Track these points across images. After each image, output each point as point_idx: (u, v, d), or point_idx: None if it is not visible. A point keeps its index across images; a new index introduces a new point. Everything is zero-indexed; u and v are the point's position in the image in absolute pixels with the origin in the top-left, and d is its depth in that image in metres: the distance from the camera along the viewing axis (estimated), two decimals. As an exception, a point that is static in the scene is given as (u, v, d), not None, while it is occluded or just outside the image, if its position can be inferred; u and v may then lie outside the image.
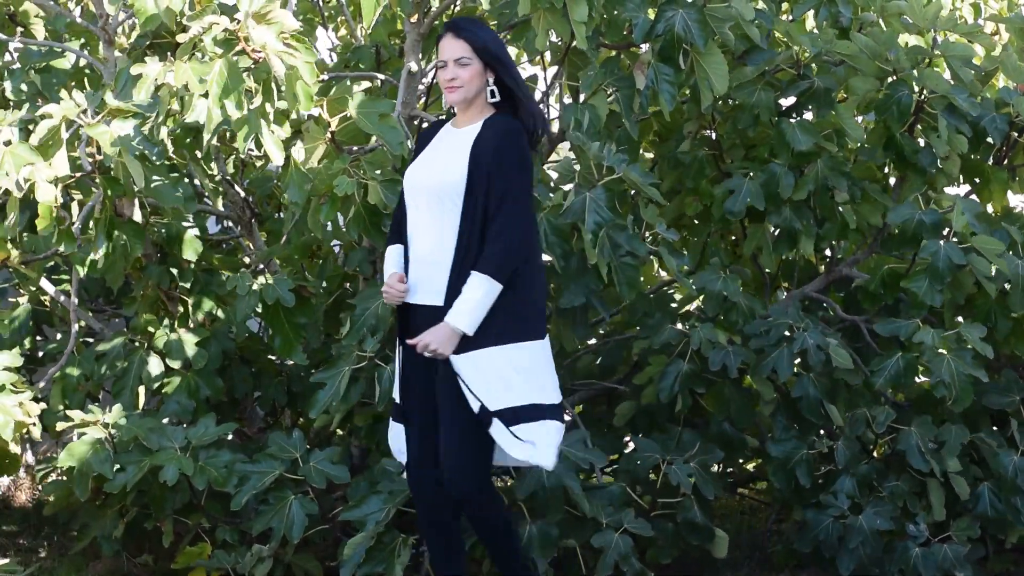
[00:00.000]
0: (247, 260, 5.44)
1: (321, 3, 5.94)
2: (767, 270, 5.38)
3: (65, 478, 4.82)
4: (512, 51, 5.86)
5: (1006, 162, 5.25)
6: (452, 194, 3.92)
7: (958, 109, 4.88)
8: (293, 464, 4.59)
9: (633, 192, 4.74)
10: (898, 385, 4.88)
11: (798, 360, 4.99)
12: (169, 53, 4.67)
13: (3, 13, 5.47)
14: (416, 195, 4.02)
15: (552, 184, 5.04)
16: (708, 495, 4.75)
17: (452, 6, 5.11)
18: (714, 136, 5.28)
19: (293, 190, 4.52)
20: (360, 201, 4.47)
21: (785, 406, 5.01)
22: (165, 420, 4.84)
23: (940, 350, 4.74)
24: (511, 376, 3.91)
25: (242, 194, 5.21)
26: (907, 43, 5.04)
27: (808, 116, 5.09)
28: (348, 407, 4.61)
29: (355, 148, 4.67)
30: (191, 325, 5.05)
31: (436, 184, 3.96)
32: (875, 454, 5.18)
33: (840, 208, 5.06)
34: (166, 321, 5.05)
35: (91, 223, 4.54)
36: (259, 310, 4.84)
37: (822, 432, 4.97)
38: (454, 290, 3.90)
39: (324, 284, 5.13)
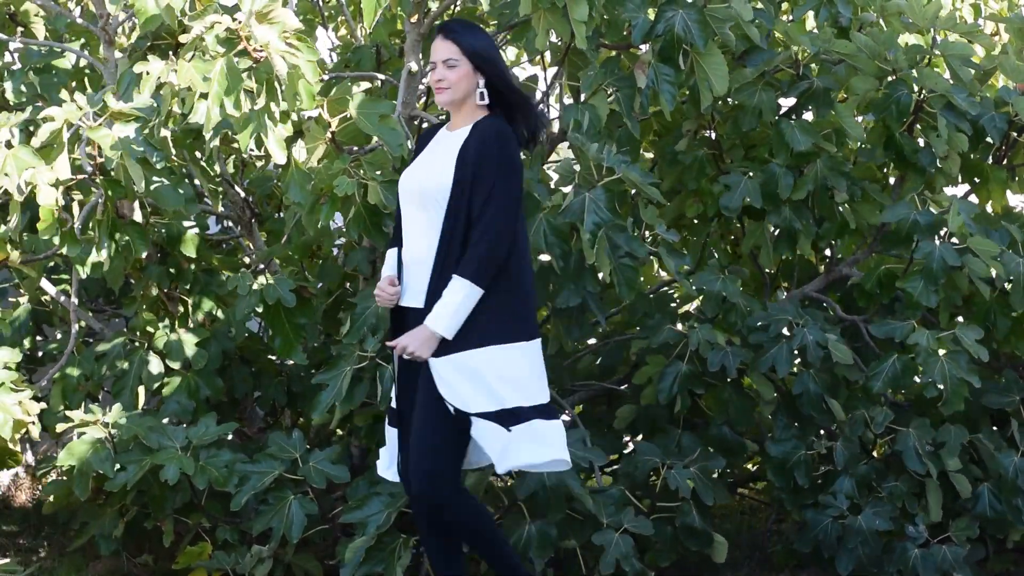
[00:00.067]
0: (247, 260, 5.44)
1: (321, 3, 5.94)
2: (767, 270, 5.38)
3: (65, 478, 4.82)
4: (512, 51, 5.87)
5: (1005, 161, 5.25)
6: (438, 197, 3.93)
7: (957, 108, 4.88)
8: (293, 464, 4.59)
9: (633, 192, 4.74)
10: (896, 387, 4.89)
11: (798, 360, 4.99)
12: (171, 53, 4.67)
13: (3, 13, 5.47)
14: (408, 198, 4.04)
15: (552, 185, 5.05)
16: (707, 501, 4.75)
17: (452, 6, 5.11)
18: (713, 136, 5.28)
19: (294, 190, 4.53)
20: (360, 201, 4.48)
21: (785, 405, 5.01)
22: (165, 420, 4.84)
23: (940, 351, 4.75)
24: (492, 379, 3.89)
25: (242, 194, 5.22)
26: (907, 43, 5.04)
27: (808, 116, 5.09)
28: (352, 407, 4.61)
29: (355, 148, 4.67)
30: (191, 325, 5.05)
31: (424, 187, 3.97)
32: (875, 454, 5.18)
33: (840, 208, 5.07)
34: (166, 321, 5.05)
35: (91, 224, 4.54)
36: (259, 310, 4.84)
37: (821, 433, 4.97)
38: (434, 293, 3.90)
39: (322, 284, 5.12)
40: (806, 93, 4.98)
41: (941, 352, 4.74)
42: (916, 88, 4.94)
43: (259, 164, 5.54)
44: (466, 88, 3.98)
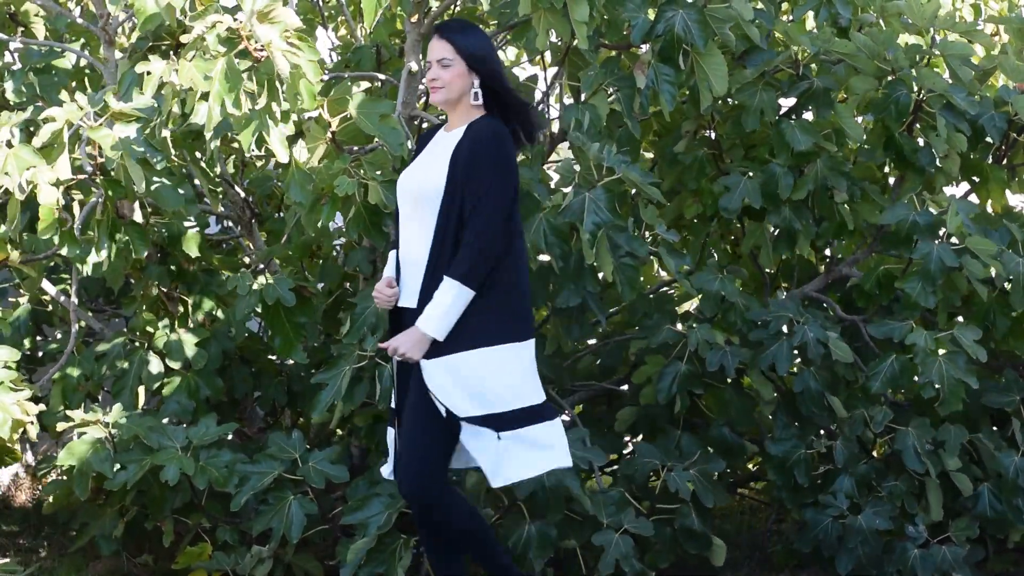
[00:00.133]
0: (247, 260, 5.44)
1: (321, 3, 5.94)
2: (767, 270, 5.38)
3: (65, 478, 4.82)
4: (512, 51, 5.87)
5: (1005, 161, 5.25)
6: (432, 198, 3.93)
7: (956, 108, 4.88)
8: (293, 464, 4.59)
9: (633, 192, 4.75)
10: (895, 387, 4.89)
11: (798, 360, 5.00)
12: (172, 53, 4.67)
13: (4, 12, 5.47)
14: (404, 199, 4.04)
15: (552, 185, 5.05)
16: (707, 503, 4.75)
17: (452, 6, 5.11)
18: (713, 136, 5.28)
19: (295, 189, 4.53)
20: (360, 201, 4.48)
21: (785, 405, 5.01)
22: (165, 420, 4.84)
23: (939, 351, 4.75)
24: (482, 382, 3.88)
25: (242, 194, 5.22)
26: (907, 43, 5.04)
27: (808, 116, 5.09)
28: (352, 407, 4.61)
29: (355, 148, 4.67)
30: (191, 325, 5.05)
31: (418, 188, 3.97)
32: (875, 454, 5.18)
33: (839, 208, 5.07)
34: (166, 321, 5.05)
35: (91, 224, 4.54)
36: (259, 310, 4.84)
37: (821, 432, 4.98)
38: (427, 293, 3.90)
39: (322, 284, 5.13)
40: (806, 93, 4.98)
41: (940, 352, 4.75)
42: (915, 88, 4.94)
43: (259, 164, 5.54)
44: (460, 88, 3.98)
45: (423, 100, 5.16)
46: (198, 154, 4.73)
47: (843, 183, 5.00)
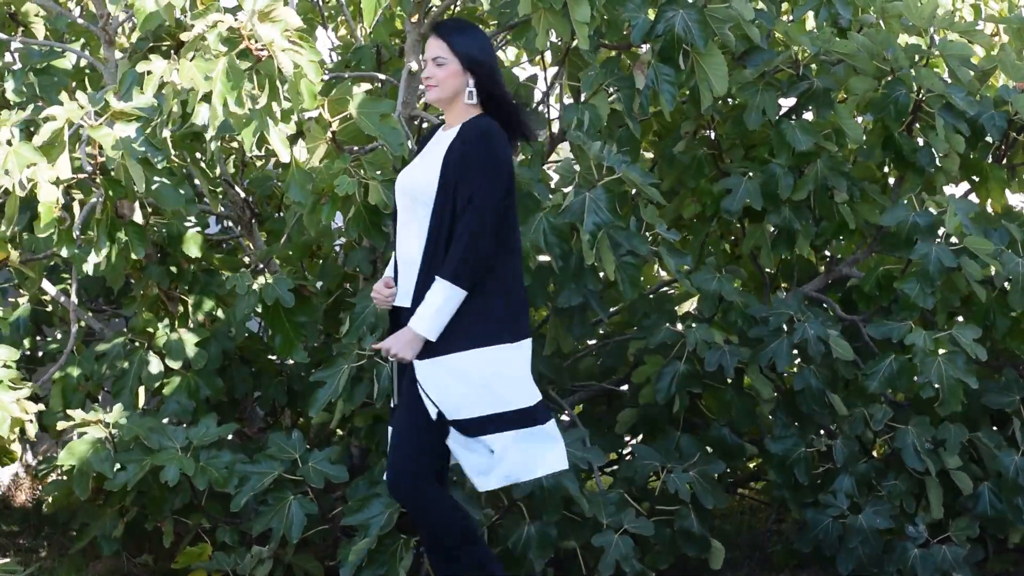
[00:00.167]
0: (247, 260, 5.44)
1: (321, 3, 5.94)
2: (767, 270, 5.38)
3: (65, 478, 4.82)
4: (512, 51, 5.87)
5: (1005, 160, 5.25)
6: (425, 197, 3.92)
7: (955, 108, 4.89)
8: (293, 464, 4.59)
9: (634, 192, 4.75)
10: (893, 387, 4.89)
11: (798, 360, 5.00)
12: (173, 52, 4.67)
13: (4, 12, 5.47)
14: (401, 199, 4.04)
15: (552, 185, 5.05)
16: (707, 504, 4.75)
17: (453, 6, 5.11)
18: (713, 136, 5.28)
19: (295, 189, 4.53)
20: (361, 201, 4.48)
21: (785, 403, 5.01)
22: (165, 420, 4.84)
23: (939, 350, 4.75)
24: (472, 383, 3.86)
25: (242, 194, 5.21)
26: (906, 43, 5.04)
27: (808, 116, 5.09)
28: (353, 407, 4.61)
29: (356, 148, 4.67)
30: (191, 325, 5.05)
31: (412, 187, 3.97)
32: (875, 454, 5.18)
33: (839, 208, 5.07)
34: (166, 321, 5.05)
35: (91, 224, 4.54)
36: (259, 310, 4.84)
37: (821, 432, 4.97)
38: (421, 294, 3.89)
39: (322, 284, 5.13)
40: (806, 93, 4.98)
41: (939, 352, 4.75)
42: (915, 88, 4.94)
43: (259, 164, 5.54)
44: (454, 87, 3.97)
45: (423, 100, 5.16)
46: (198, 155, 4.73)
47: (843, 183, 5.00)
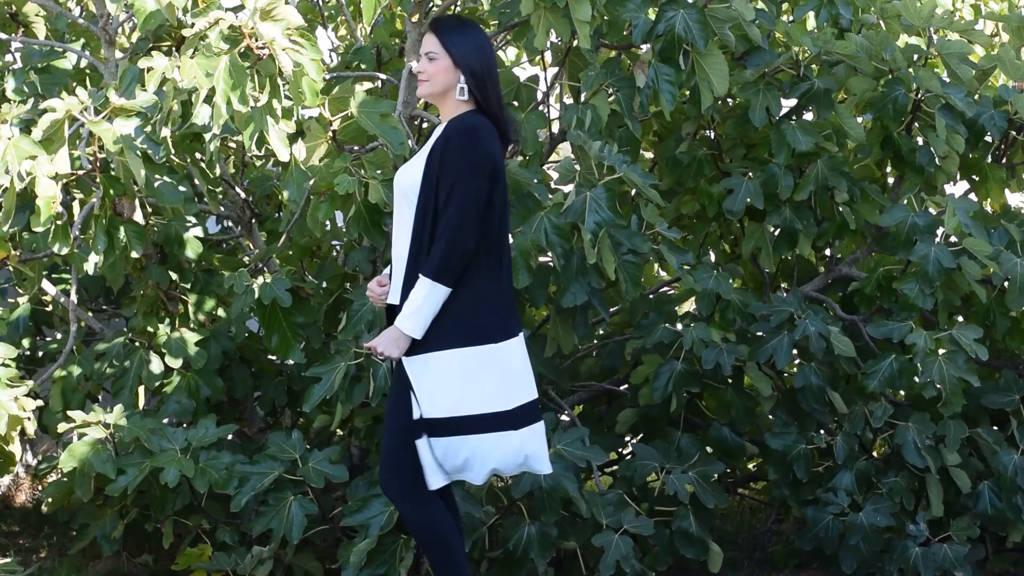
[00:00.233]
0: (247, 260, 5.43)
1: (321, 3, 5.94)
2: (767, 270, 5.38)
3: (66, 479, 4.82)
4: (512, 51, 5.87)
5: (1004, 160, 5.25)
6: (412, 194, 3.91)
7: (954, 107, 4.89)
8: (293, 465, 4.58)
9: (634, 192, 4.74)
10: (893, 387, 4.89)
11: (798, 361, 4.99)
12: (174, 51, 4.67)
13: (4, 12, 5.47)
14: (396, 196, 4.03)
15: (552, 184, 5.05)
16: (707, 504, 4.75)
17: (453, 6, 5.11)
18: (713, 136, 5.28)
19: (292, 188, 4.52)
20: (361, 200, 4.48)
21: (784, 402, 5.01)
22: (165, 420, 4.83)
23: (939, 350, 4.75)
24: (458, 381, 3.82)
25: (242, 194, 5.21)
26: (906, 43, 5.04)
27: (808, 116, 5.09)
28: (352, 406, 4.60)
29: (356, 147, 4.67)
30: (191, 325, 5.05)
31: (401, 184, 3.97)
32: (875, 453, 5.18)
33: (840, 208, 5.07)
34: (166, 321, 5.05)
35: (90, 223, 4.54)
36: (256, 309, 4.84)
37: (821, 432, 4.97)
38: (407, 291, 3.88)
39: (324, 284, 5.12)
40: (807, 94, 4.98)
41: (939, 352, 4.75)
42: (914, 88, 4.94)
43: (259, 164, 5.54)
44: (444, 83, 3.94)
45: (423, 100, 5.15)
46: (198, 155, 4.72)
47: (844, 183, 5.00)
